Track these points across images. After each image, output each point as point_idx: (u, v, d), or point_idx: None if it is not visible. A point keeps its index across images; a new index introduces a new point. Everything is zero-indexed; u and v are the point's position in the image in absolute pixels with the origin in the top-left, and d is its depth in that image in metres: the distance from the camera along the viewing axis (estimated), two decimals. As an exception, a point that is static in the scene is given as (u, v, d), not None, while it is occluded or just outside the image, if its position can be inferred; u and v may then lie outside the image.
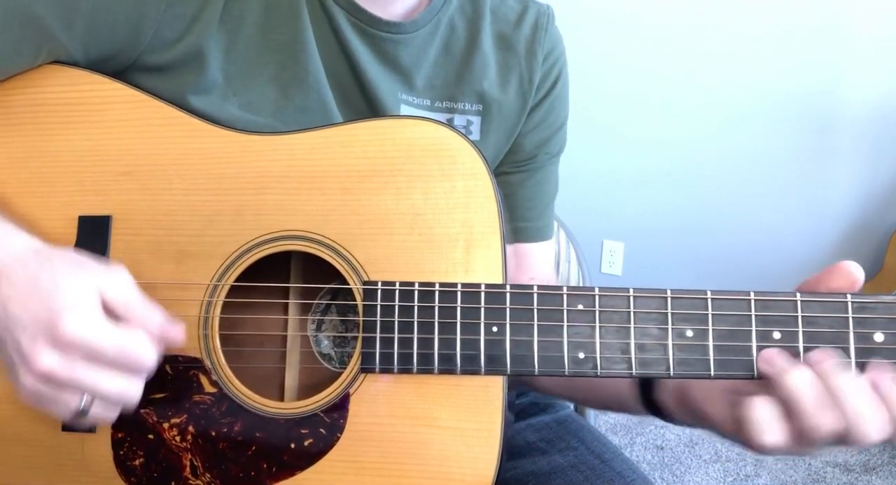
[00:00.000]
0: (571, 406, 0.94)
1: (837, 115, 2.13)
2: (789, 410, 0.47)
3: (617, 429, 2.06)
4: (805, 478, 1.86)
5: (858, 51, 2.06)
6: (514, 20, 0.74)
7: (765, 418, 0.47)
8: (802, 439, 0.47)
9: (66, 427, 0.58)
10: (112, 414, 0.52)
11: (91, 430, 0.58)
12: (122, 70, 0.61)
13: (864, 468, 1.90)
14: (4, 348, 0.50)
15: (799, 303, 0.49)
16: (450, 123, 0.71)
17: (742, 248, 2.29)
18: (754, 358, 0.49)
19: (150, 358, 0.51)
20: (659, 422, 0.69)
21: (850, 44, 2.06)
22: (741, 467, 1.91)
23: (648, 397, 0.63)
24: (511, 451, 0.81)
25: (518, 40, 0.74)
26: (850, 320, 0.49)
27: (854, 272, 0.50)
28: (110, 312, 0.50)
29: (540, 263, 0.81)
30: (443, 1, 0.70)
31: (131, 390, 0.51)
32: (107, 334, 0.49)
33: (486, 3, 0.73)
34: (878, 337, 0.48)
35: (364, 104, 0.68)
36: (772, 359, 0.49)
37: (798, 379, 0.47)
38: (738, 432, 0.50)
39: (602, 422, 2.08)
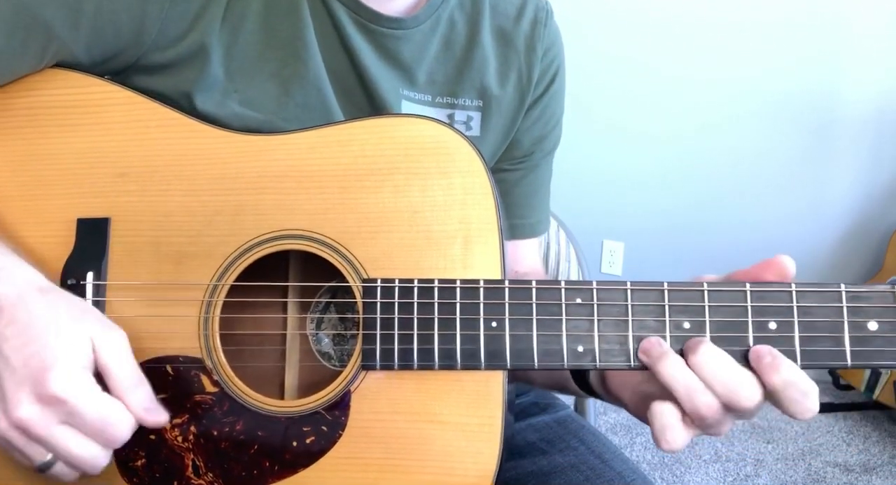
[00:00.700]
0: (571, 406, 0.94)
1: (838, 114, 2.14)
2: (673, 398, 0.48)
3: (617, 429, 2.06)
4: (805, 478, 1.87)
5: (858, 50, 2.07)
6: (513, 15, 0.74)
7: (666, 423, 0.48)
8: (697, 424, 0.48)
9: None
10: (72, 477, 0.52)
11: None
12: (126, 68, 0.62)
13: (864, 468, 1.90)
14: None
15: (794, 293, 0.50)
16: (450, 119, 0.71)
17: (742, 248, 2.30)
18: (750, 348, 0.50)
19: (125, 434, 0.51)
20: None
21: (851, 43, 2.07)
22: (741, 467, 1.91)
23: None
24: (511, 451, 0.81)
25: (517, 36, 0.74)
26: (845, 310, 0.49)
27: (788, 266, 0.51)
28: (100, 373, 0.50)
29: (528, 256, 0.82)
30: None
31: (99, 459, 0.50)
32: (91, 401, 0.49)
33: None
34: (872, 326, 0.49)
35: (365, 100, 0.68)
36: (649, 349, 0.50)
37: (671, 366, 0.49)
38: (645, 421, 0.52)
39: (602, 422, 2.08)
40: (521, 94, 0.75)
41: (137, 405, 0.51)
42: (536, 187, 0.81)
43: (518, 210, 0.80)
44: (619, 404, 0.60)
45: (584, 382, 0.64)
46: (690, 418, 0.48)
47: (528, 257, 0.82)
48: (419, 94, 0.71)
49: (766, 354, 0.48)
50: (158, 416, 0.53)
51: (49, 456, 0.49)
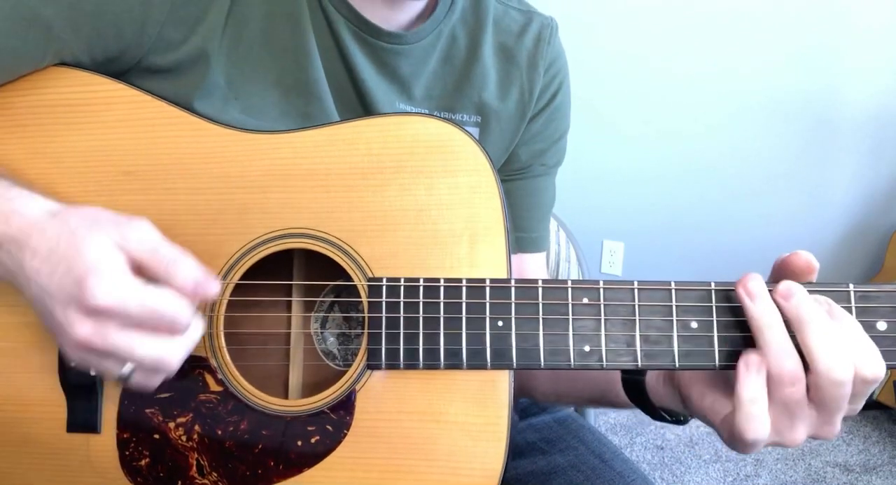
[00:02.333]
0: (571, 406, 0.94)
1: (838, 114, 2.14)
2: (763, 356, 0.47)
3: (617, 429, 2.06)
4: (805, 478, 1.87)
5: (859, 49, 2.07)
6: (516, 31, 0.74)
7: (752, 407, 0.47)
8: (776, 401, 0.47)
9: (72, 427, 0.58)
10: (153, 381, 0.51)
11: (94, 428, 0.57)
12: (126, 71, 0.61)
13: (864, 468, 1.90)
14: (47, 318, 0.50)
15: (802, 293, 0.50)
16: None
17: (742, 248, 2.30)
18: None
19: (183, 316, 0.49)
20: (658, 423, 0.68)
21: (851, 42, 2.07)
22: (741, 467, 1.91)
23: (632, 381, 0.61)
24: (511, 451, 0.81)
25: (520, 52, 0.73)
26: (854, 310, 0.49)
27: (808, 259, 0.50)
28: (138, 268, 0.49)
29: (532, 273, 0.81)
30: (445, 11, 0.70)
31: (169, 352, 0.49)
32: (134, 297, 0.47)
33: (490, 13, 0.72)
34: (882, 326, 0.49)
35: (362, 112, 0.68)
36: (754, 295, 0.48)
37: (764, 308, 0.47)
38: (724, 432, 0.51)
39: (602, 422, 2.08)
40: (522, 109, 0.74)
41: (185, 283, 0.49)
42: (537, 202, 0.80)
43: (518, 222, 0.79)
44: (670, 401, 0.57)
45: (635, 389, 0.61)
46: (771, 382, 0.47)
47: (534, 274, 0.81)
48: (416, 108, 0.71)
49: (823, 302, 0.48)
50: (209, 287, 0.50)
51: (126, 366, 0.49)
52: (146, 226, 0.51)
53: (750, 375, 0.47)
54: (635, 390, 0.60)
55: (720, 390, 0.52)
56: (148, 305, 0.47)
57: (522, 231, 0.79)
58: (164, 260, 0.49)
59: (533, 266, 0.81)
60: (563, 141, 0.81)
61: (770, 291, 0.48)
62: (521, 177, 0.78)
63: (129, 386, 0.51)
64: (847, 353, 0.46)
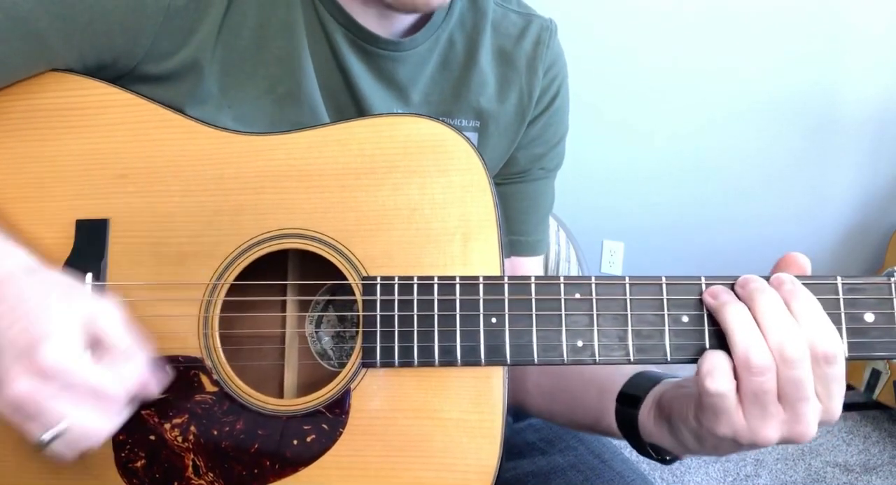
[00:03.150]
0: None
1: (838, 113, 2.14)
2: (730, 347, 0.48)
3: (616, 431, 2.06)
4: (805, 478, 1.87)
5: (860, 49, 2.07)
6: (515, 35, 0.74)
7: (713, 365, 0.48)
8: (745, 391, 0.47)
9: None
10: (70, 453, 0.50)
11: None
12: (119, 78, 0.62)
13: (864, 468, 1.90)
14: None
15: (792, 286, 0.50)
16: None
17: (742, 248, 2.30)
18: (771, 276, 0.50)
19: (122, 397, 0.50)
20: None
21: (852, 42, 2.07)
22: (741, 468, 1.91)
23: (626, 414, 0.61)
24: (510, 451, 0.81)
25: (519, 55, 0.73)
26: (842, 302, 0.50)
27: (801, 262, 0.51)
28: (95, 345, 0.49)
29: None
30: (443, 17, 0.69)
31: (99, 425, 0.49)
32: (87, 368, 0.48)
33: (488, 17, 0.72)
34: (869, 317, 0.49)
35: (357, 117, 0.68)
36: (716, 292, 0.50)
37: (733, 312, 0.48)
38: (698, 411, 0.50)
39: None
40: (522, 112, 0.74)
41: (132, 372, 0.50)
42: (536, 205, 0.80)
43: (516, 226, 0.78)
44: (667, 442, 0.57)
45: (627, 422, 0.61)
46: (739, 370, 0.47)
47: None
48: None
49: (787, 281, 0.49)
50: (151, 384, 0.52)
51: (48, 433, 0.48)
52: (114, 308, 0.51)
53: (715, 369, 0.48)
54: (627, 423, 0.60)
55: None
56: (97, 376, 0.48)
57: (521, 235, 0.79)
58: (122, 344, 0.50)
59: (531, 270, 0.81)
60: (563, 144, 0.81)
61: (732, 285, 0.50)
62: (521, 180, 0.78)
63: (42, 453, 0.49)
64: (799, 330, 0.47)
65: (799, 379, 0.46)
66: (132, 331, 0.51)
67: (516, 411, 0.89)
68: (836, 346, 0.47)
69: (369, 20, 0.65)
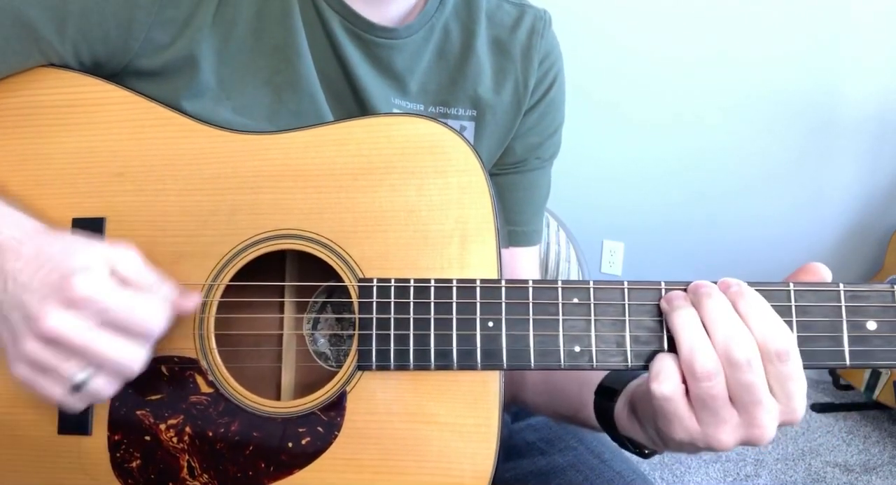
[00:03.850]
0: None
1: (838, 113, 2.14)
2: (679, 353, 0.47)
3: (616, 430, 2.06)
4: (805, 478, 1.86)
5: (859, 48, 2.06)
6: (510, 25, 0.74)
7: (660, 368, 0.47)
8: (694, 397, 0.47)
9: (63, 429, 0.58)
10: (112, 387, 0.50)
11: (85, 430, 0.57)
12: (115, 74, 0.61)
13: (864, 468, 1.90)
14: (3, 325, 0.49)
15: (792, 292, 0.50)
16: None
17: (742, 248, 2.30)
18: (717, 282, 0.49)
19: (159, 323, 0.50)
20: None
21: (851, 41, 2.06)
22: (741, 468, 1.91)
23: (603, 407, 0.61)
24: (510, 451, 0.81)
25: (514, 45, 0.73)
26: (843, 309, 0.49)
27: (822, 273, 0.50)
28: (122, 282, 0.50)
29: (525, 268, 0.81)
30: (437, 5, 0.70)
31: (136, 357, 0.49)
32: (118, 296, 0.48)
33: (482, 7, 0.72)
34: (871, 325, 0.49)
35: (356, 108, 0.68)
36: (671, 298, 0.50)
37: (681, 316, 0.48)
38: (654, 415, 0.50)
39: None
40: (518, 102, 0.74)
41: (166, 294, 0.51)
42: (532, 195, 0.80)
43: (513, 216, 0.78)
44: (640, 437, 0.57)
45: (604, 415, 0.61)
46: (686, 377, 0.47)
47: (524, 270, 0.80)
48: (411, 104, 0.70)
49: (733, 283, 0.48)
50: (188, 300, 0.53)
51: (87, 371, 0.48)
52: (133, 250, 0.52)
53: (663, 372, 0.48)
54: (604, 415, 0.60)
55: None
56: (127, 304, 0.48)
57: (516, 225, 0.79)
58: (147, 278, 0.51)
59: (526, 260, 0.81)
60: (559, 134, 0.81)
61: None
62: (517, 171, 0.78)
63: (75, 401, 0.49)
64: (746, 332, 0.46)
65: (749, 382, 0.46)
66: (152, 270, 0.52)
67: (515, 411, 0.89)
68: (787, 342, 0.46)
69: (364, 7, 0.65)
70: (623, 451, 0.62)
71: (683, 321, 0.48)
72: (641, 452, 0.59)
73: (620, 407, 0.58)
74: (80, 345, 0.47)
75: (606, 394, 0.60)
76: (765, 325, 0.46)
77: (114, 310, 0.48)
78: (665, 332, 0.50)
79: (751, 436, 0.47)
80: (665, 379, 0.47)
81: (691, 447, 0.49)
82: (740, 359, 0.45)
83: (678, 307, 0.49)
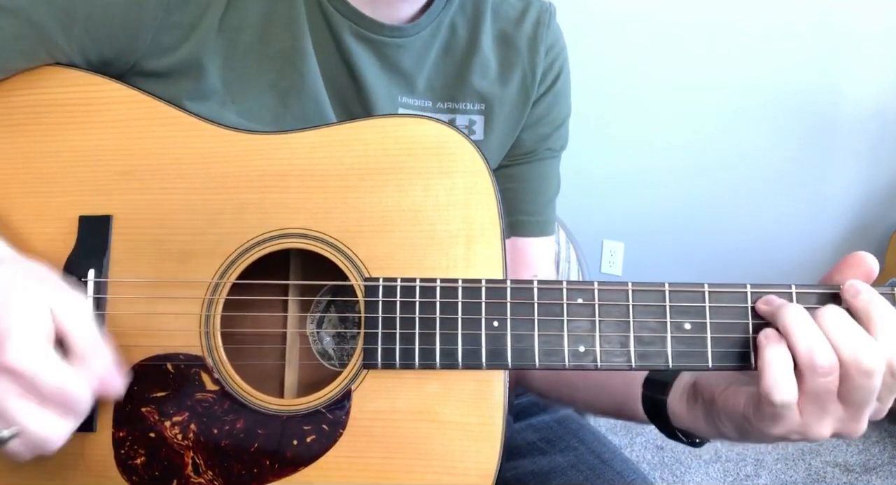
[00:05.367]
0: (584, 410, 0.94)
1: (838, 113, 2.14)
2: (790, 349, 0.47)
3: (617, 429, 2.06)
4: (805, 478, 1.87)
5: (859, 49, 2.06)
6: (515, 18, 0.74)
7: (778, 375, 0.47)
8: (807, 391, 0.47)
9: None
10: (26, 455, 0.48)
11: (89, 426, 0.58)
12: (121, 74, 0.62)
13: (864, 468, 1.90)
14: None
15: (794, 294, 0.50)
16: (452, 124, 0.71)
17: (742, 248, 2.30)
18: (751, 350, 0.50)
19: (85, 404, 0.48)
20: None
21: (851, 42, 2.06)
22: (741, 467, 1.91)
23: (654, 400, 0.61)
24: (511, 451, 0.81)
25: (520, 37, 0.74)
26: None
27: (869, 263, 0.51)
28: (60, 340, 0.48)
29: (541, 258, 0.80)
30: (444, 2, 0.70)
31: (58, 432, 0.48)
32: (49, 371, 0.46)
33: (488, 2, 0.73)
34: (874, 327, 0.49)
35: (361, 110, 0.68)
36: (770, 300, 0.50)
37: (793, 312, 0.48)
38: (753, 414, 0.50)
39: (602, 422, 2.08)
40: (526, 92, 0.75)
41: (96, 373, 0.49)
42: (543, 185, 0.80)
43: (523, 206, 0.78)
44: (696, 422, 0.57)
45: (654, 408, 0.61)
46: (803, 371, 0.47)
47: (540, 261, 0.80)
48: (419, 101, 0.71)
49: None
50: (115, 384, 0.51)
51: (7, 431, 0.46)
52: (84, 303, 0.50)
53: (771, 349, 0.48)
54: (655, 408, 0.60)
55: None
56: (58, 380, 0.46)
57: (529, 215, 0.79)
58: (87, 342, 0.49)
59: (539, 250, 0.81)
60: (566, 126, 0.82)
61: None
62: (527, 161, 0.78)
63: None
64: (876, 344, 0.47)
65: (874, 388, 0.47)
66: (96, 328, 0.50)
67: (517, 411, 0.89)
68: (875, 359, 0.47)
69: (372, 8, 0.65)
70: (623, 451, 0.62)
71: (795, 318, 0.48)
72: (693, 441, 0.60)
73: (675, 398, 0.59)
74: (4, 410, 0.46)
75: (656, 387, 0.61)
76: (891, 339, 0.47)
77: (41, 386, 0.46)
78: (669, 333, 0.51)
79: (848, 430, 0.49)
80: (784, 387, 0.47)
81: (778, 439, 0.50)
82: (869, 367, 0.46)
83: (784, 305, 0.49)
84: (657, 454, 1.96)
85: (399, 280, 0.54)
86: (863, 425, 0.49)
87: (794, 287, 0.50)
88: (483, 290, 0.53)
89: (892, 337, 0.47)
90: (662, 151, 2.33)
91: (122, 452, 0.58)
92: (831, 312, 0.48)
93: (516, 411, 0.88)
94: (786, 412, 0.48)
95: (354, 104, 0.68)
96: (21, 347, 0.45)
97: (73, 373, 0.48)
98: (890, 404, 0.49)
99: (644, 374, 0.62)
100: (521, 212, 0.79)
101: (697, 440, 0.60)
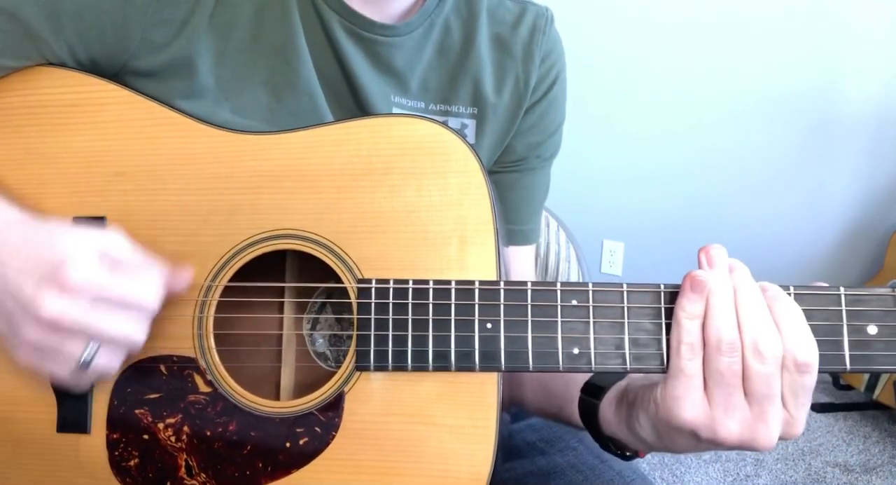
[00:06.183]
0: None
1: (838, 113, 2.13)
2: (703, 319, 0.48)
3: (616, 430, 2.06)
4: (805, 478, 1.86)
5: (859, 48, 2.06)
6: (511, 22, 0.73)
7: (686, 333, 0.48)
8: (711, 369, 0.47)
9: (62, 428, 0.58)
10: (116, 361, 0.52)
11: (83, 428, 0.57)
12: (113, 74, 0.61)
13: (864, 468, 1.90)
14: (9, 305, 0.50)
15: (793, 296, 0.49)
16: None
17: (742, 248, 2.27)
18: None
19: (154, 297, 0.52)
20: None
21: (851, 41, 2.06)
22: (741, 467, 1.91)
23: (587, 403, 0.60)
24: (510, 451, 0.81)
25: (515, 43, 0.73)
26: (844, 313, 0.49)
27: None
28: (112, 268, 0.51)
29: (524, 266, 0.81)
30: (436, 2, 0.69)
31: (137, 330, 0.51)
32: (109, 277, 0.49)
33: (483, 4, 0.72)
34: (872, 330, 0.49)
35: (356, 108, 0.68)
36: (712, 257, 0.50)
37: (721, 287, 0.48)
38: (661, 397, 0.49)
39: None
40: (518, 100, 0.74)
41: (157, 276, 0.53)
42: (530, 195, 0.80)
43: (512, 215, 0.78)
44: (625, 434, 0.56)
45: (588, 413, 0.60)
46: (707, 346, 0.47)
47: (520, 269, 0.80)
48: (412, 102, 0.70)
49: (771, 287, 0.49)
50: (181, 276, 0.55)
51: (90, 347, 0.50)
52: (121, 234, 0.53)
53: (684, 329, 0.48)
54: (588, 413, 0.60)
55: None
56: (119, 283, 0.50)
57: (514, 224, 0.78)
58: (136, 258, 0.52)
59: (523, 259, 0.81)
60: (559, 133, 0.81)
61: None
62: (516, 169, 0.78)
63: (83, 378, 0.52)
64: (776, 332, 0.47)
65: (769, 375, 0.46)
66: (141, 251, 0.53)
67: (515, 411, 0.89)
68: (813, 356, 0.47)
69: (363, 5, 0.65)
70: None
71: (721, 290, 0.48)
72: (623, 453, 0.59)
73: (606, 404, 0.58)
74: (81, 325, 0.49)
75: (592, 392, 0.60)
76: (796, 333, 0.47)
77: (108, 291, 0.49)
78: (664, 335, 0.50)
79: (756, 433, 0.47)
80: (687, 353, 0.47)
81: (688, 439, 0.49)
82: (766, 352, 0.46)
83: (719, 278, 0.49)
84: (657, 454, 1.96)
85: (392, 282, 0.54)
86: (770, 429, 0.47)
87: (792, 289, 0.50)
88: (476, 291, 0.53)
89: (795, 330, 0.47)
90: (663, 151, 2.33)
91: (116, 453, 0.57)
92: (748, 297, 0.48)
93: (514, 412, 0.88)
94: (691, 392, 0.47)
95: (348, 101, 0.67)
96: (82, 264, 0.48)
97: (131, 274, 0.51)
98: (801, 417, 0.47)
99: (586, 376, 0.61)
100: (506, 221, 0.78)
101: (628, 453, 0.59)
